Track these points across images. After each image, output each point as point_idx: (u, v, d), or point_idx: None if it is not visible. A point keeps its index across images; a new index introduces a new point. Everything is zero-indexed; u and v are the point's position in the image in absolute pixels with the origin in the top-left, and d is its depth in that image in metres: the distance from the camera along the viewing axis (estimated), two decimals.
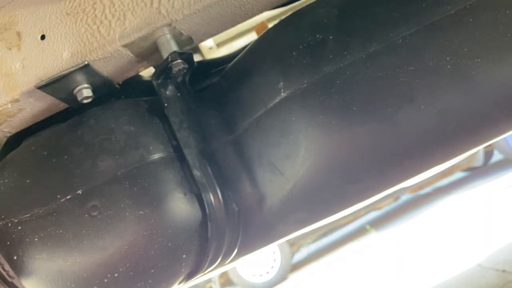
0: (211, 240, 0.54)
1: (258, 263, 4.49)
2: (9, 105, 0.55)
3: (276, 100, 0.52)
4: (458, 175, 5.66)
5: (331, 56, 0.51)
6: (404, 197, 5.73)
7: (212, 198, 0.54)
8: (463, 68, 0.48)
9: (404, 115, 0.48)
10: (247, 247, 0.59)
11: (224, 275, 4.88)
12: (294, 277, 4.60)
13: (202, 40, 0.62)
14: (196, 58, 0.63)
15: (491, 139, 0.51)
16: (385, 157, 0.49)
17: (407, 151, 0.49)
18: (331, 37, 0.52)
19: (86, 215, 0.49)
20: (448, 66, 0.48)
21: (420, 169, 0.51)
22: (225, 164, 0.56)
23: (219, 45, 1.09)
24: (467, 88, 0.48)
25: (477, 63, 0.48)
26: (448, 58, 0.48)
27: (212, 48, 1.08)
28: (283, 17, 0.59)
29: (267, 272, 4.46)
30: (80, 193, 0.50)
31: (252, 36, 1.03)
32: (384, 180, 0.51)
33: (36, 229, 0.49)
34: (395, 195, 5.00)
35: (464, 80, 0.48)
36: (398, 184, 0.53)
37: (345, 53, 0.51)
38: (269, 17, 0.97)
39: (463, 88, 0.48)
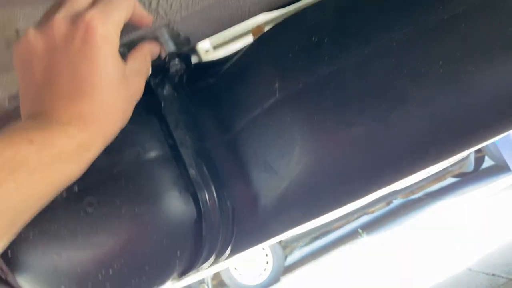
0: (205, 238, 0.54)
1: (251, 265, 4.49)
2: (6, 102, 0.56)
3: (272, 101, 0.53)
4: (450, 180, 5.70)
5: (326, 58, 0.52)
6: (396, 202, 5.76)
7: (207, 196, 0.54)
8: (455, 72, 0.49)
9: (397, 117, 0.49)
10: (240, 245, 0.59)
11: (217, 276, 4.86)
12: (286, 279, 4.60)
13: (199, 41, 0.63)
14: (193, 60, 0.64)
15: (482, 142, 0.52)
16: (378, 157, 0.50)
17: (400, 152, 0.50)
18: (326, 40, 0.53)
19: (82, 212, 0.49)
20: (441, 70, 0.49)
21: (412, 170, 0.52)
22: (221, 163, 0.57)
23: (216, 47, 1.09)
24: (459, 92, 0.49)
25: (469, 67, 0.49)
26: (441, 62, 0.49)
27: (208, 51, 1.08)
28: (279, 20, 0.60)
29: (260, 274, 4.46)
30: (76, 190, 0.50)
31: (249, 39, 1.04)
32: (376, 180, 0.52)
33: (31, 225, 0.49)
34: (388, 200, 5.03)
35: (456, 84, 0.49)
36: (390, 184, 0.54)
37: (340, 55, 0.51)
38: (265, 21, 0.98)
39: (455, 92, 0.49)
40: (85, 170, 0.43)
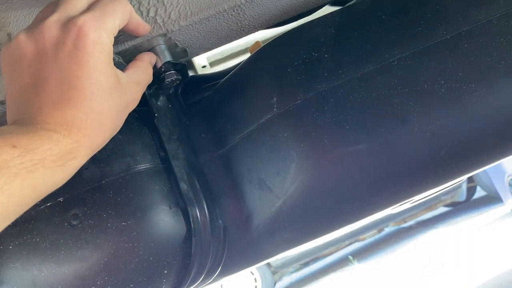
0: (194, 256, 0.52)
1: None
2: None
3: (269, 116, 0.51)
4: (441, 209, 5.69)
5: (326, 74, 0.50)
6: (388, 230, 5.73)
7: (198, 213, 0.52)
8: (457, 92, 0.48)
9: (397, 136, 0.48)
10: (231, 266, 0.57)
11: None
12: None
13: (197, 54, 0.61)
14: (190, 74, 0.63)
15: (484, 165, 0.51)
16: (377, 177, 0.49)
17: (399, 172, 0.49)
18: (326, 56, 0.51)
19: (66, 224, 0.47)
20: (443, 90, 0.48)
21: (412, 192, 0.51)
22: (213, 178, 0.55)
23: (212, 64, 1.09)
24: (461, 113, 0.48)
25: (472, 88, 0.48)
26: (442, 82, 0.48)
27: (205, 67, 1.08)
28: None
29: None
30: (61, 200, 0.48)
31: (247, 57, 1.03)
32: (375, 201, 0.51)
33: (11, 236, 0.47)
34: (379, 228, 5.00)
35: (458, 104, 0.48)
36: (389, 207, 0.52)
37: (340, 72, 0.50)
38: (264, 39, 0.98)
39: (457, 112, 0.48)
40: (69, 178, 0.41)
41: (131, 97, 0.47)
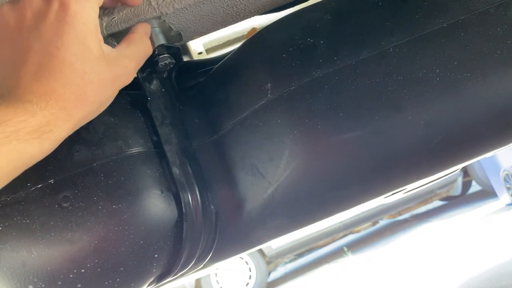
0: (185, 241, 0.52)
1: (234, 280, 4.43)
2: None
3: (263, 102, 0.51)
4: (436, 203, 5.72)
5: (321, 61, 0.50)
6: (382, 222, 5.76)
7: (190, 197, 0.52)
8: (452, 81, 0.47)
9: (391, 124, 0.47)
10: (222, 251, 0.57)
11: None
12: None
13: (191, 38, 0.61)
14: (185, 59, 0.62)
15: (477, 155, 0.51)
16: (369, 165, 0.49)
17: (392, 161, 0.49)
18: (322, 42, 0.51)
19: (56, 206, 0.47)
20: (438, 78, 0.48)
21: (404, 181, 0.51)
22: (206, 164, 0.55)
23: (209, 51, 1.08)
24: (455, 102, 0.48)
25: (466, 77, 0.47)
26: (437, 70, 0.48)
27: (201, 54, 1.07)
28: None
29: None
30: (52, 182, 0.47)
31: None
32: (367, 189, 0.50)
33: (1, 217, 0.47)
34: (374, 220, 5.03)
35: (453, 93, 0.48)
36: (381, 194, 0.52)
37: (335, 58, 0.50)
38: (261, 25, 0.97)
39: (451, 102, 0.48)
40: (49, 151, 0.40)
41: (119, 72, 0.45)
